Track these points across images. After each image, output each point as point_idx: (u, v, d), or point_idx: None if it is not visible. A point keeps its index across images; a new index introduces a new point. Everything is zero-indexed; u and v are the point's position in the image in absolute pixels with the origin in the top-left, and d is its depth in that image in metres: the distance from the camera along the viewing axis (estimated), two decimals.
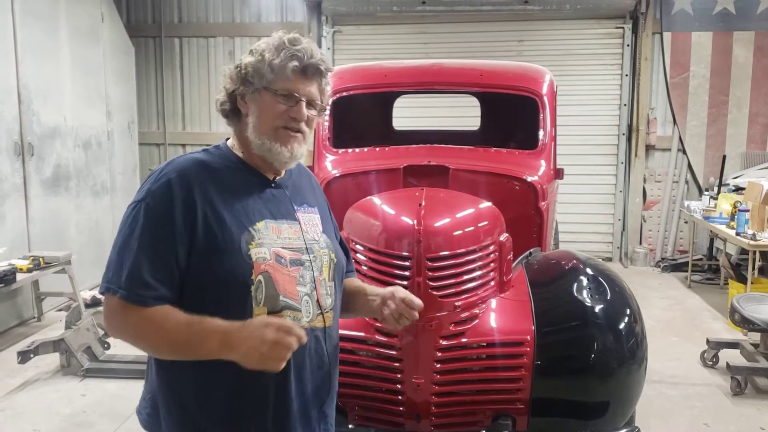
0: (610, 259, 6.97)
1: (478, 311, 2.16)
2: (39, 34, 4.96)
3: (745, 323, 3.74)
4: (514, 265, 2.45)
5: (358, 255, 2.26)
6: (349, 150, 3.14)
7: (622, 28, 6.85)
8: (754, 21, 6.58)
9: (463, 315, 2.12)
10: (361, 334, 2.11)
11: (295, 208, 1.43)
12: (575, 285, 2.26)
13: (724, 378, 3.82)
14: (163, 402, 1.34)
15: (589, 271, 2.36)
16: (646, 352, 2.19)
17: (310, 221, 1.45)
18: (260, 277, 1.28)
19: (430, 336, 2.05)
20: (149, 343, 1.28)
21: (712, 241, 6.57)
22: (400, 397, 2.08)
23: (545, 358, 2.07)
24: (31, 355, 3.72)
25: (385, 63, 3.70)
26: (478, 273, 2.20)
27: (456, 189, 2.63)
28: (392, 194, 2.55)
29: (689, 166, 6.91)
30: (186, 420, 1.32)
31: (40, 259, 4.49)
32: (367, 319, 2.15)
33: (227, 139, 1.46)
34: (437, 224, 2.13)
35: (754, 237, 4.65)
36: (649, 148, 6.93)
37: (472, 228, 2.25)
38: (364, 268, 2.22)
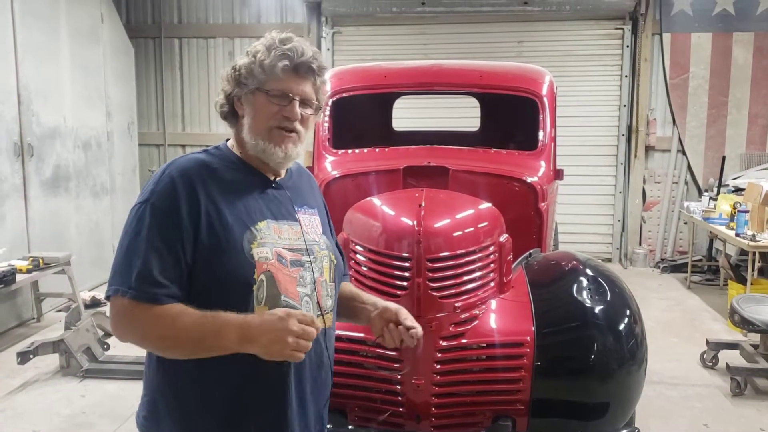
0: (609, 260, 6.97)
1: (478, 312, 2.16)
2: (39, 35, 4.96)
3: (745, 324, 3.74)
4: (514, 265, 2.44)
5: (358, 256, 2.26)
6: (349, 151, 3.14)
7: (622, 29, 6.85)
8: (753, 22, 6.59)
9: (463, 316, 2.12)
10: (361, 334, 2.11)
11: (296, 209, 1.43)
12: (575, 286, 2.26)
13: (724, 379, 3.83)
14: (164, 403, 1.34)
15: (589, 272, 2.36)
16: (646, 353, 2.19)
17: (311, 222, 1.45)
18: (262, 277, 1.28)
19: (430, 337, 2.04)
20: (161, 341, 1.26)
21: (711, 242, 6.57)
22: (400, 398, 2.08)
23: (545, 358, 2.07)
24: (31, 356, 3.72)
25: (385, 64, 3.70)
26: (478, 274, 2.20)
27: (456, 190, 2.63)
28: (392, 195, 2.55)
29: (689, 166, 6.92)
30: (187, 421, 1.32)
31: (40, 260, 4.49)
32: None
33: (227, 139, 1.46)
34: (437, 225, 2.13)
35: (753, 238, 4.65)
36: (648, 148, 6.94)
37: (472, 229, 2.25)
38: (364, 269, 2.22)
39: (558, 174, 3.12)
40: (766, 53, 6.61)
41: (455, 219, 2.24)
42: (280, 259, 1.32)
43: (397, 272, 2.09)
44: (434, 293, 2.06)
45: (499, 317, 2.20)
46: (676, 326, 4.90)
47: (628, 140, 6.94)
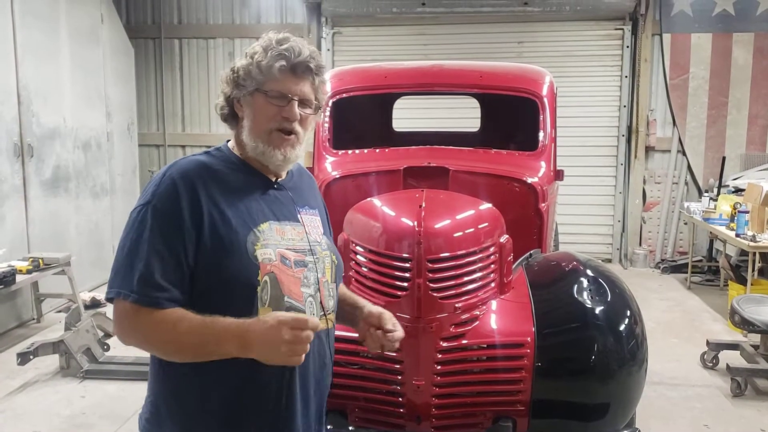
0: (609, 261, 6.97)
1: (478, 313, 2.16)
2: (39, 35, 4.96)
3: (745, 325, 3.74)
4: (514, 266, 2.44)
5: (358, 257, 2.26)
6: (349, 151, 3.14)
7: (622, 29, 6.85)
8: (753, 22, 6.59)
9: (464, 316, 2.12)
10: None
11: (298, 209, 1.43)
12: (575, 286, 2.26)
13: (724, 379, 3.82)
14: (165, 406, 1.34)
15: (589, 272, 2.36)
16: (646, 354, 2.19)
17: (312, 223, 1.45)
18: (266, 278, 1.28)
19: (430, 337, 2.05)
20: (163, 345, 1.26)
21: (711, 242, 6.57)
22: (400, 399, 2.08)
23: (546, 359, 2.07)
24: (31, 357, 3.72)
25: (385, 64, 3.70)
26: (479, 274, 2.20)
27: (456, 190, 2.63)
28: (392, 196, 2.55)
29: (689, 167, 6.92)
30: (187, 423, 1.32)
31: (40, 261, 4.49)
32: None
33: (228, 140, 1.45)
34: (437, 226, 2.13)
35: (753, 238, 4.65)
36: (648, 149, 6.94)
37: (472, 229, 2.25)
38: (365, 269, 2.22)
39: (558, 174, 3.12)
40: (766, 54, 6.61)
41: (456, 220, 2.24)
42: (284, 260, 1.32)
43: (397, 273, 2.09)
44: (435, 294, 2.06)
45: (499, 318, 2.21)
46: (676, 327, 4.90)
47: (628, 141, 6.94)
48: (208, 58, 7.39)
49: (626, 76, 6.87)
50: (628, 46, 6.84)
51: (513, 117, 3.73)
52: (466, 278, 2.15)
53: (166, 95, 7.50)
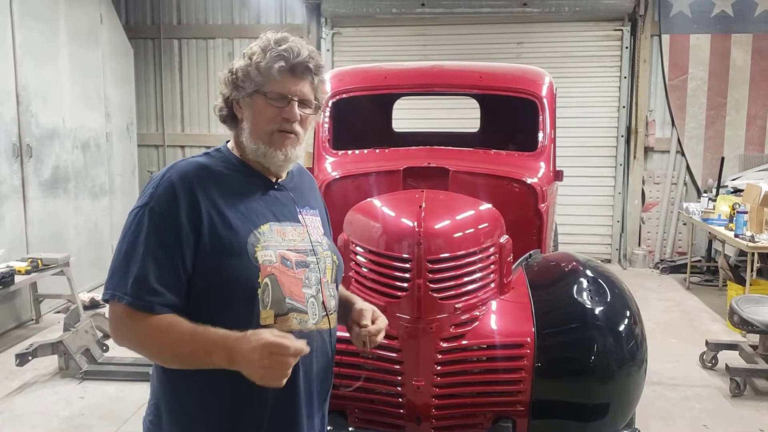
0: (608, 261, 6.98)
1: (478, 313, 2.16)
2: (38, 36, 4.95)
3: (744, 325, 3.74)
4: (514, 267, 2.45)
5: (358, 257, 2.26)
6: (349, 152, 3.14)
7: (621, 30, 6.86)
8: (752, 23, 6.60)
9: (464, 317, 2.12)
10: None
11: (299, 210, 1.42)
12: (575, 287, 2.26)
13: (723, 379, 3.83)
14: (167, 409, 1.34)
15: (588, 273, 2.36)
16: (646, 354, 2.19)
17: (313, 223, 1.45)
18: (267, 280, 1.28)
19: (430, 338, 2.05)
20: (154, 351, 1.27)
21: (710, 242, 6.58)
22: (400, 400, 2.07)
23: (545, 360, 2.07)
24: (30, 358, 3.71)
25: (385, 65, 3.70)
26: (479, 275, 2.20)
27: (456, 191, 2.63)
28: (392, 196, 2.55)
29: (688, 167, 6.93)
30: (190, 425, 1.32)
31: (39, 261, 4.48)
32: None
33: (228, 141, 1.45)
34: (437, 226, 2.13)
35: (752, 239, 4.65)
36: (647, 150, 6.95)
37: (472, 230, 2.25)
38: (365, 270, 2.22)
39: (558, 175, 3.12)
40: (765, 54, 6.63)
41: (455, 220, 2.24)
42: (285, 261, 1.32)
43: (397, 273, 2.09)
44: (434, 294, 2.06)
45: (499, 318, 2.21)
46: (675, 327, 4.90)
47: (627, 141, 6.95)
48: (207, 58, 7.39)
49: (625, 77, 6.88)
50: (627, 47, 6.85)
51: (512, 118, 3.74)
52: (466, 279, 2.15)
53: (166, 96, 7.49)
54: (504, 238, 2.36)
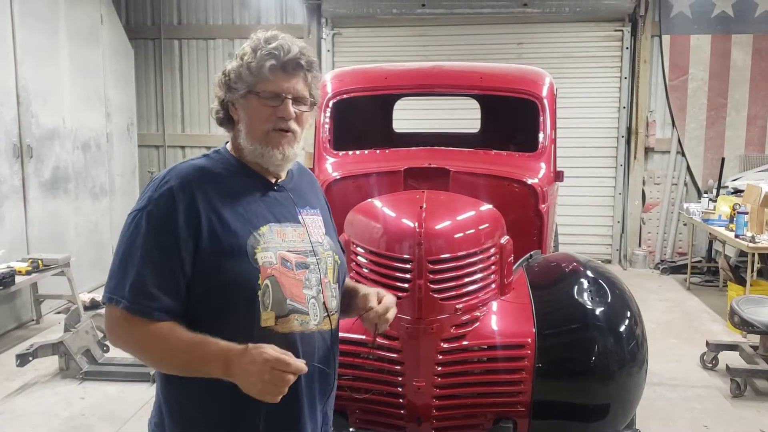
0: (609, 262, 6.98)
1: (479, 314, 2.16)
2: (38, 36, 4.95)
3: (745, 325, 3.74)
4: (514, 267, 2.45)
5: (359, 257, 2.26)
6: (350, 152, 3.14)
7: (621, 30, 6.86)
8: (752, 24, 6.60)
9: (464, 318, 2.12)
10: (362, 336, 2.11)
11: (299, 210, 1.41)
12: (576, 287, 2.27)
13: (724, 380, 3.83)
14: (168, 411, 1.34)
15: (589, 273, 2.36)
16: (646, 355, 2.19)
17: (314, 223, 1.44)
18: (267, 282, 1.27)
19: (430, 338, 2.05)
20: (150, 356, 1.28)
21: (711, 243, 6.58)
22: (401, 400, 2.08)
23: (546, 360, 2.07)
24: (30, 358, 3.71)
25: (385, 65, 3.70)
26: (479, 275, 2.20)
27: (456, 191, 2.63)
28: (393, 197, 2.55)
29: (688, 168, 6.93)
30: (191, 427, 1.32)
31: (39, 262, 4.48)
32: None
33: (227, 142, 1.44)
34: (438, 227, 2.13)
35: (753, 239, 4.65)
36: (648, 150, 6.95)
37: (473, 230, 2.25)
38: (365, 270, 2.22)
39: (558, 175, 3.12)
40: (765, 55, 6.63)
41: (456, 221, 2.25)
42: (285, 262, 1.31)
43: (398, 274, 2.09)
44: (435, 295, 2.06)
45: (500, 319, 2.21)
46: (675, 327, 4.90)
47: (628, 142, 6.95)
48: (207, 58, 7.39)
49: (626, 78, 6.88)
50: (627, 48, 6.85)
51: (513, 118, 3.74)
52: (466, 279, 2.16)
53: (166, 96, 7.49)
54: (505, 239, 2.36)
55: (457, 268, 2.13)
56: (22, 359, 3.68)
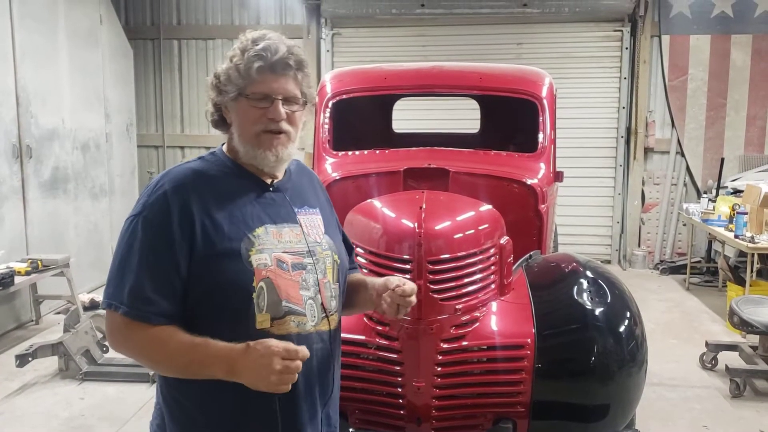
0: (608, 262, 6.98)
1: (478, 314, 2.16)
2: (37, 37, 4.95)
3: (744, 326, 3.74)
4: (514, 267, 2.45)
5: (358, 258, 2.26)
6: (349, 153, 3.14)
7: (621, 31, 6.87)
8: (751, 24, 6.60)
9: (464, 318, 2.12)
10: (362, 337, 2.11)
11: (296, 210, 1.41)
12: (575, 288, 2.27)
13: (723, 380, 3.83)
14: (169, 413, 1.34)
15: (589, 273, 2.36)
16: (646, 355, 2.19)
17: (312, 223, 1.43)
18: (261, 284, 1.27)
19: (430, 339, 2.05)
20: (151, 360, 1.29)
21: (710, 243, 6.58)
22: (400, 401, 2.07)
23: (546, 361, 2.07)
24: (30, 359, 3.71)
25: (385, 66, 3.70)
26: (479, 276, 2.20)
27: (456, 192, 2.63)
28: (393, 197, 2.55)
29: (687, 168, 6.93)
30: (191, 429, 1.32)
31: (39, 262, 4.48)
32: (367, 321, 2.15)
33: (224, 143, 1.43)
34: (438, 227, 2.13)
35: (752, 239, 4.66)
36: (647, 150, 6.95)
37: (472, 231, 2.25)
38: (365, 270, 2.21)
39: (558, 176, 3.12)
40: (764, 55, 6.63)
41: (456, 221, 2.24)
42: (280, 264, 1.31)
43: (398, 274, 2.07)
44: (435, 295, 2.06)
45: (499, 319, 2.21)
46: (675, 328, 4.90)
47: (627, 142, 6.96)
48: (207, 59, 7.39)
49: (625, 78, 6.88)
50: (627, 48, 6.85)
51: (513, 118, 3.74)
52: (466, 280, 2.15)
53: (165, 96, 7.49)
54: (504, 239, 2.36)
55: (457, 269, 2.13)
56: (22, 360, 3.68)
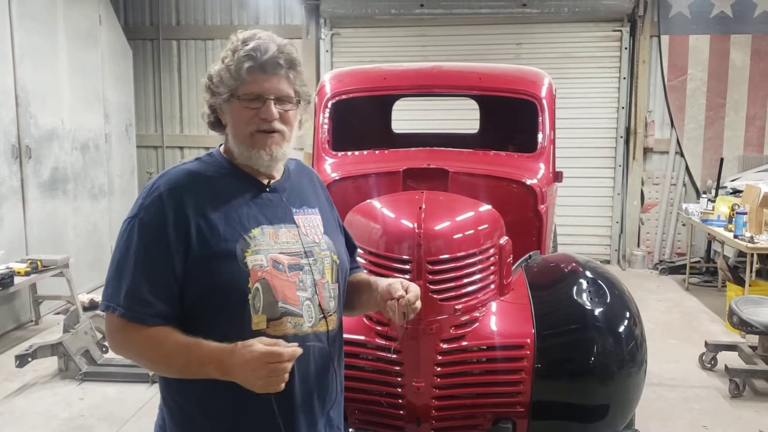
0: (608, 262, 6.98)
1: (478, 314, 2.16)
2: (37, 37, 4.95)
3: (743, 326, 3.74)
4: (513, 268, 2.45)
5: (358, 258, 2.26)
6: (349, 153, 3.14)
7: (620, 31, 6.87)
8: (751, 24, 6.61)
9: (464, 318, 2.12)
10: (362, 337, 2.11)
11: (294, 210, 1.40)
12: (575, 288, 2.27)
13: (723, 380, 3.83)
14: (170, 413, 1.35)
15: (588, 274, 2.37)
16: (645, 355, 2.19)
17: (310, 223, 1.42)
18: (257, 285, 1.27)
19: (430, 339, 2.05)
20: (149, 361, 1.30)
21: (709, 243, 6.59)
22: (400, 401, 2.07)
23: (545, 361, 2.08)
24: (29, 359, 3.71)
25: (384, 66, 3.70)
26: (479, 276, 2.20)
27: (455, 192, 2.63)
28: (392, 197, 2.55)
29: (687, 168, 6.93)
30: (190, 429, 1.32)
31: (38, 263, 4.48)
32: (366, 321, 2.15)
33: (221, 144, 1.43)
34: (437, 227, 2.14)
35: (751, 240, 4.66)
36: (646, 150, 6.95)
37: (472, 231, 2.25)
38: (365, 271, 2.22)
39: (557, 176, 3.12)
40: (764, 55, 6.64)
41: (455, 221, 2.25)
42: (277, 265, 1.30)
43: (397, 275, 2.08)
44: (434, 296, 2.06)
45: (499, 319, 2.21)
46: (674, 328, 4.91)
47: (627, 142, 6.96)
48: (206, 59, 7.38)
49: (624, 78, 6.88)
50: (626, 48, 6.85)
51: (512, 119, 3.74)
52: (466, 280, 2.16)
53: (164, 97, 7.49)
54: (504, 240, 2.36)
55: (457, 269, 2.13)
56: (21, 360, 3.68)
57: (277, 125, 1.32)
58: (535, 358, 2.07)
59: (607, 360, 2.09)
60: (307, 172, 1.54)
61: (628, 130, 6.93)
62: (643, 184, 7.02)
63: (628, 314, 2.22)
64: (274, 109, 1.31)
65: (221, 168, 1.36)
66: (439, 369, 2.06)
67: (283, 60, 1.31)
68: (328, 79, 3.35)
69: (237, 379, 1.19)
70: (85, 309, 4.82)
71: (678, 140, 6.89)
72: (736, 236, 4.82)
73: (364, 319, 2.16)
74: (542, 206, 2.77)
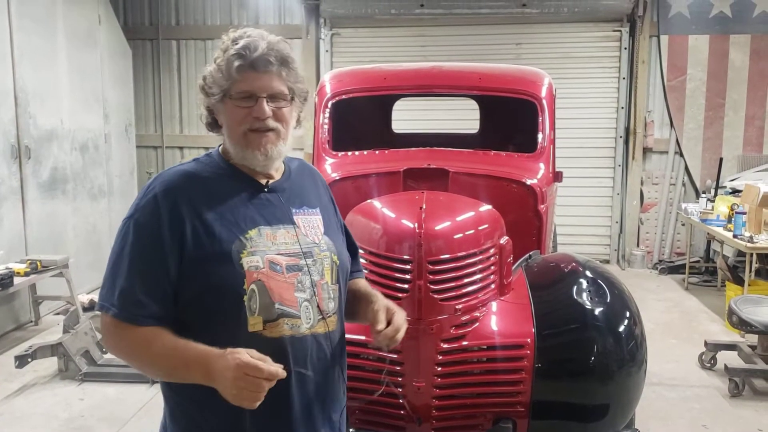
0: (607, 262, 6.99)
1: (478, 314, 2.16)
2: (36, 38, 4.95)
3: (743, 325, 3.75)
4: (514, 267, 2.45)
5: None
6: (349, 153, 3.14)
7: (620, 31, 6.87)
8: (750, 24, 6.61)
9: (464, 318, 2.12)
10: (362, 337, 2.11)
11: (294, 210, 1.38)
12: (575, 288, 2.27)
13: (722, 380, 3.84)
14: (170, 413, 1.35)
15: (588, 273, 2.37)
16: (645, 355, 2.20)
17: (310, 223, 1.40)
18: (253, 287, 1.26)
19: (430, 339, 2.05)
20: (139, 362, 1.29)
21: (709, 243, 6.59)
22: (400, 401, 2.08)
23: (545, 360, 2.08)
24: (29, 360, 3.71)
25: (384, 66, 3.70)
26: (479, 276, 2.21)
27: (456, 192, 2.64)
28: (392, 197, 2.55)
29: (686, 168, 6.94)
30: (193, 430, 1.32)
31: (38, 263, 4.47)
32: None
33: (220, 145, 1.42)
34: (438, 227, 2.14)
35: (751, 239, 4.66)
36: (646, 150, 6.96)
37: (472, 231, 2.25)
38: (365, 271, 2.21)
39: (557, 176, 3.12)
40: (763, 55, 6.64)
41: (456, 221, 2.25)
42: (274, 266, 1.29)
43: (398, 275, 2.09)
44: (435, 295, 2.06)
45: (499, 319, 2.21)
46: (674, 327, 4.91)
47: (626, 142, 6.96)
48: (206, 59, 7.37)
49: (624, 78, 6.88)
50: (625, 48, 6.86)
51: (512, 119, 3.74)
52: (466, 280, 2.16)
53: (164, 97, 7.49)
54: (504, 239, 2.37)
55: (457, 269, 2.13)
56: (21, 360, 3.68)
57: (271, 123, 1.31)
58: (535, 358, 2.07)
59: (607, 360, 2.09)
60: (309, 172, 1.53)
61: (627, 130, 6.93)
62: (642, 183, 7.02)
63: (628, 314, 2.22)
64: (267, 107, 1.30)
65: (219, 169, 1.35)
66: (439, 369, 2.06)
67: (274, 57, 1.30)
68: (328, 79, 3.35)
69: (217, 384, 1.17)
70: (85, 309, 4.81)
71: (677, 140, 6.90)
72: (735, 236, 4.82)
73: None
74: (542, 206, 2.77)
